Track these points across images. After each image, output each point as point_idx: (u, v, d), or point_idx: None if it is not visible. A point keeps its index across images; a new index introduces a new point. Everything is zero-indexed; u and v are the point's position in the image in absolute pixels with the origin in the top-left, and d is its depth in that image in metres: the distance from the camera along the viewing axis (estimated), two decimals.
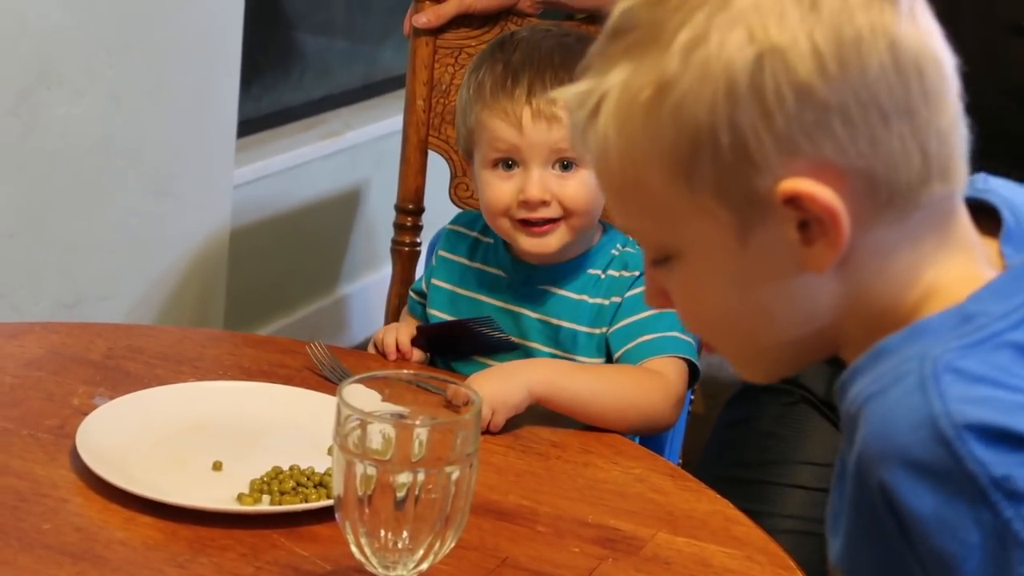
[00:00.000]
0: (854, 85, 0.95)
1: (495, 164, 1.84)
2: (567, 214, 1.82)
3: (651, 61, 0.97)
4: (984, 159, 1.89)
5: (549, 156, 1.81)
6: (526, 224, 1.83)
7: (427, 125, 2.26)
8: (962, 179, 1.02)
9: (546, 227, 1.82)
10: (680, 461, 2.10)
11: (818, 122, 0.95)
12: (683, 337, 1.82)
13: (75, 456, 1.56)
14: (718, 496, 1.60)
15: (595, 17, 2.23)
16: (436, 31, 2.24)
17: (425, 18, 2.22)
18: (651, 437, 1.96)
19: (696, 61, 0.95)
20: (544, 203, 1.81)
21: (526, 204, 1.81)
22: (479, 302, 1.93)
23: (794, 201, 0.97)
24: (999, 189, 1.10)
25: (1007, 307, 0.98)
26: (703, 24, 0.95)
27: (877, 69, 0.95)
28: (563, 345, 1.87)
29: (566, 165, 1.82)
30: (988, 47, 1.88)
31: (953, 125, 1.00)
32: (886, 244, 0.99)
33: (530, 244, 1.83)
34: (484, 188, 1.86)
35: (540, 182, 1.81)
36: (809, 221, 0.97)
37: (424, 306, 2.00)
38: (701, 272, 1.04)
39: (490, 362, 1.88)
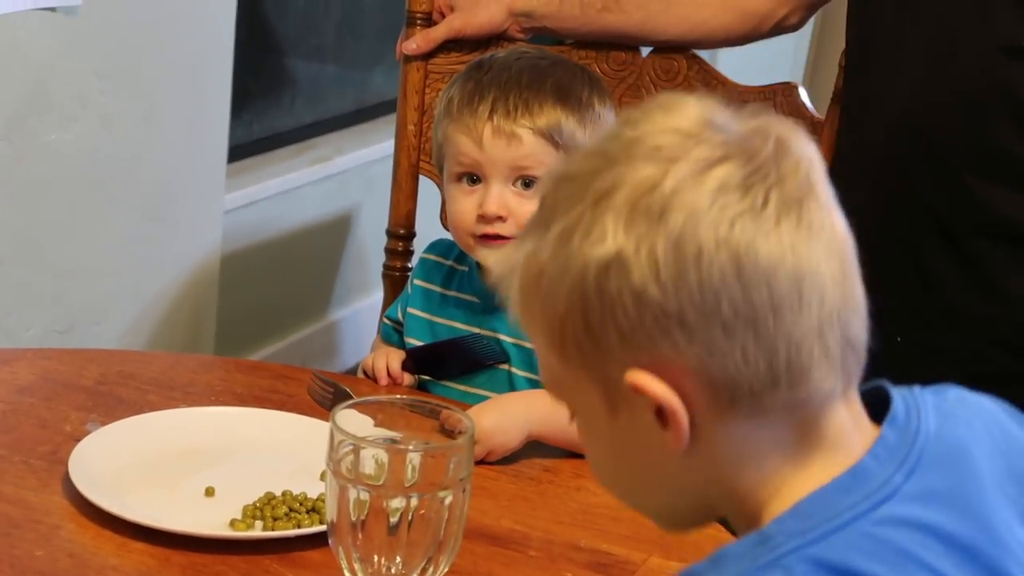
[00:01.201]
0: (691, 295, 0.97)
1: (459, 178, 1.88)
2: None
3: (540, 243, 1.02)
4: (985, 181, 1.90)
5: (510, 173, 1.85)
6: (484, 238, 1.86)
7: (418, 150, 2.26)
8: (824, 383, 1.01)
9: (502, 241, 1.84)
10: None
11: (657, 325, 0.98)
12: None
13: (68, 482, 1.56)
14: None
15: (583, 43, 2.24)
16: (427, 56, 2.25)
17: (415, 44, 2.23)
18: None
19: (561, 254, 1.00)
20: (500, 218, 1.84)
21: (483, 218, 1.85)
22: (455, 329, 1.95)
23: (638, 391, 1.00)
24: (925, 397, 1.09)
25: (810, 523, 0.98)
26: (575, 218, 1.00)
27: (718, 281, 0.97)
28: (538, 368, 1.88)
29: (527, 183, 1.85)
30: (987, 69, 1.89)
31: (812, 332, 1.00)
32: (739, 436, 1.01)
33: (489, 257, 1.85)
34: (449, 202, 1.91)
35: (498, 198, 1.84)
36: (662, 409, 1.00)
37: (400, 334, 2.01)
38: (587, 430, 1.08)
39: (475, 391, 1.88)
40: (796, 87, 2.17)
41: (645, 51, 2.24)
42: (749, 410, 1.00)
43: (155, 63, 2.62)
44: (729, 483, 1.04)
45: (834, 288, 1.00)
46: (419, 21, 2.26)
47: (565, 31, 2.24)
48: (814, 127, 2.13)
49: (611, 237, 0.98)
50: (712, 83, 2.19)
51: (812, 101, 2.17)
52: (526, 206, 1.83)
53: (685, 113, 1.02)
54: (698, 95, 1.04)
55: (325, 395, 1.80)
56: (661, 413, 0.99)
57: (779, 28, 2.22)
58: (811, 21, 2.41)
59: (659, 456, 1.02)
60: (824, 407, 1.02)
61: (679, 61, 2.21)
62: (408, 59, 2.25)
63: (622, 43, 2.23)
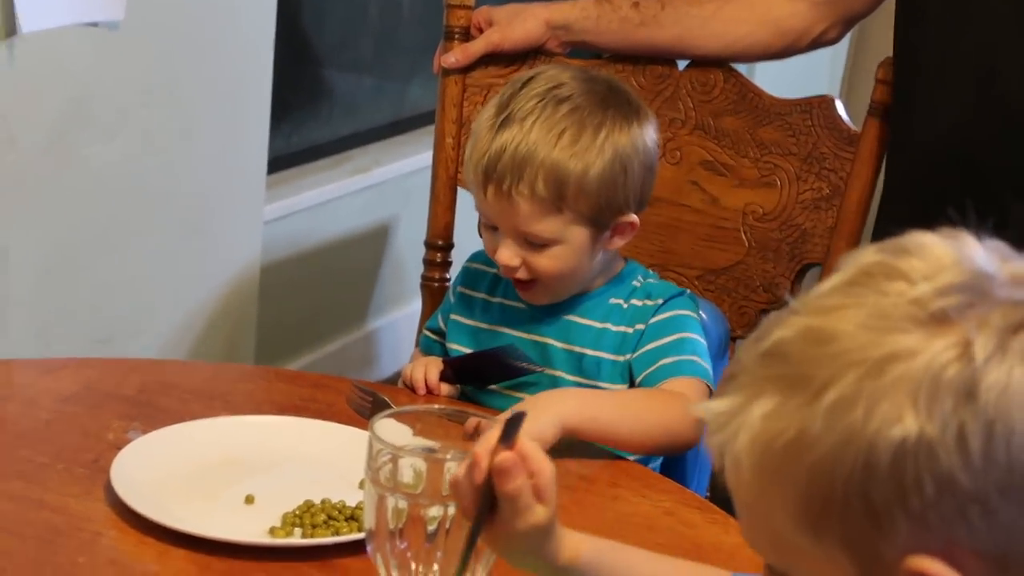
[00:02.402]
0: (999, 478, 0.91)
1: (482, 222, 1.91)
2: (540, 277, 1.86)
3: (795, 405, 0.94)
4: (984, 192, 1.90)
5: (516, 233, 1.84)
6: (516, 281, 1.88)
7: (456, 162, 2.28)
8: None
9: (526, 285, 1.88)
10: (708, 494, 2.10)
11: (956, 510, 0.91)
12: (701, 362, 1.85)
13: (110, 490, 1.57)
14: None
15: (619, 57, 2.25)
16: (465, 70, 2.26)
17: (454, 58, 2.24)
18: (677, 469, 1.97)
19: (840, 427, 0.92)
20: (514, 268, 1.86)
21: (503, 268, 1.87)
22: (502, 335, 1.95)
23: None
24: None
25: None
26: (852, 387, 0.92)
27: None
28: (587, 373, 1.89)
29: (534, 244, 1.84)
30: (984, 84, 1.90)
31: None
32: None
33: (520, 294, 1.89)
34: (482, 236, 1.93)
35: (509, 252, 1.85)
36: None
37: (441, 344, 2.02)
38: None
39: (517, 394, 1.89)
40: (833, 100, 2.18)
41: (682, 64, 2.25)
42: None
43: (195, 77, 2.63)
44: None
45: None
46: (457, 35, 2.28)
47: (603, 45, 2.25)
48: (851, 140, 2.14)
49: (910, 417, 0.90)
50: (748, 96, 2.20)
51: (849, 114, 2.18)
52: (539, 260, 1.85)
53: (959, 263, 0.95)
54: (945, 237, 0.98)
55: (364, 404, 1.81)
56: None
57: (816, 43, 2.22)
58: (846, 36, 2.41)
59: None
60: None
61: (715, 75, 2.22)
62: (447, 72, 2.26)
63: (661, 56, 2.24)
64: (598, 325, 1.90)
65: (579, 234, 1.84)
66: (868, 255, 0.98)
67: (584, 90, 1.88)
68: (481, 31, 2.27)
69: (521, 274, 1.86)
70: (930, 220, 1.98)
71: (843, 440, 0.92)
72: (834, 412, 0.92)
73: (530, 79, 1.90)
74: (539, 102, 1.85)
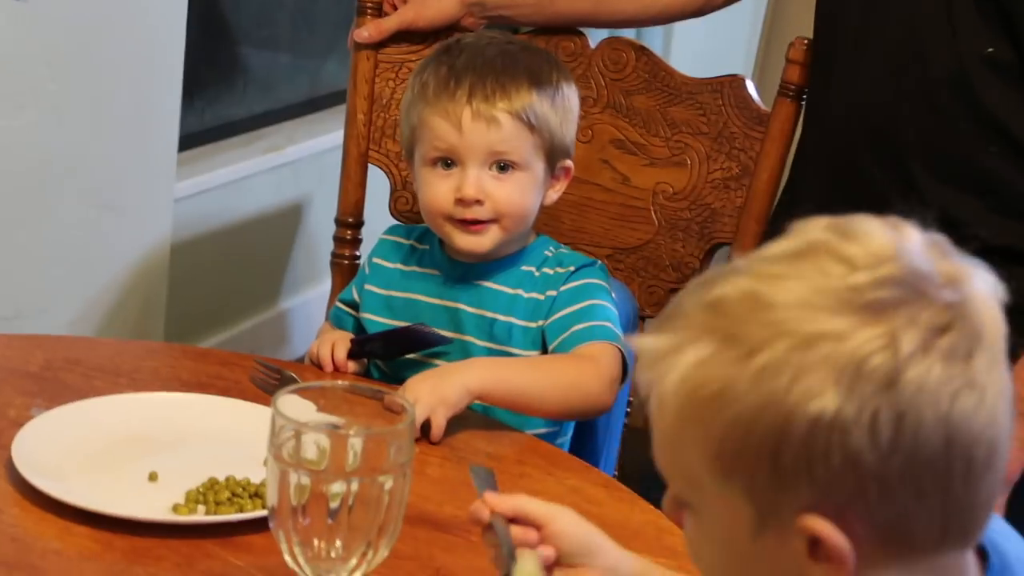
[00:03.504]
0: (901, 464, 0.96)
1: (434, 162, 1.90)
2: (500, 216, 1.88)
3: (726, 360, 0.98)
4: (939, 183, 1.92)
5: (487, 157, 1.87)
6: (462, 223, 1.88)
7: (367, 139, 2.27)
8: (977, 538, 1.03)
9: (480, 226, 1.88)
10: (616, 473, 2.11)
11: (857, 485, 0.96)
12: (613, 328, 1.88)
13: (10, 467, 1.56)
14: (652, 507, 1.61)
15: (534, 31, 2.25)
16: (377, 46, 2.26)
17: (367, 32, 2.23)
18: (587, 448, 1.98)
19: (764, 390, 0.96)
20: (478, 202, 1.87)
21: (461, 202, 1.87)
22: (416, 301, 1.96)
23: (812, 534, 0.98)
24: (992, 534, 1.10)
25: None
26: (781, 356, 0.96)
27: (928, 453, 0.96)
28: (498, 338, 1.90)
29: (503, 167, 1.88)
30: (951, 76, 1.91)
31: (987, 499, 1.01)
32: (897, 563, 1.00)
33: (465, 242, 1.89)
34: (423, 186, 1.92)
35: (476, 182, 1.87)
36: (820, 542, 0.98)
37: (353, 316, 2.02)
38: (710, 538, 1.05)
39: (431, 362, 1.90)
40: (743, 80, 2.19)
41: (594, 42, 2.25)
42: (910, 561, 1.00)
43: (105, 50, 2.61)
44: None
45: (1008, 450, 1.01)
46: (369, 11, 2.27)
47: (521, 18, 2.26)
48: (761, 119, 2.15)
49: (830, 394, 0.95)
50: (660, 75, 2.21)
51: (760, 94, 2.19)
52: (502, 189, 1.87)
53: (899, 258, 0.99)
54: (891, 226, 1.02)
55: (269, 381, 1.81)
56: (816, 545, 0.98)
57: None
58: (762, 14, 2.42)
59: (796, 568, 1.00)
60: (968, 555, 1.04)
61: (627, 52, 2.23)
62: (359, 47, 2.26)
63: (580, 26, 2.25)
64: (510, 291, 1.91)
65: (539, 166, 1.90)
66: (817, 230, 1.02)
67: (521, 44, 1.98)
68: (395, 8, 2.26)
69: (483, 211, 1.87)
70: (840, 193, 2.00)
71: (764, 403, 0.96)
72: (761, 375, 0.97)
73: (455, 41, 1.96)
74: (487, 44, 1.93)
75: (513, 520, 1.33)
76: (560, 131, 1.91)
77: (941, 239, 1.02)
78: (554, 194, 1.96)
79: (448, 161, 1.89)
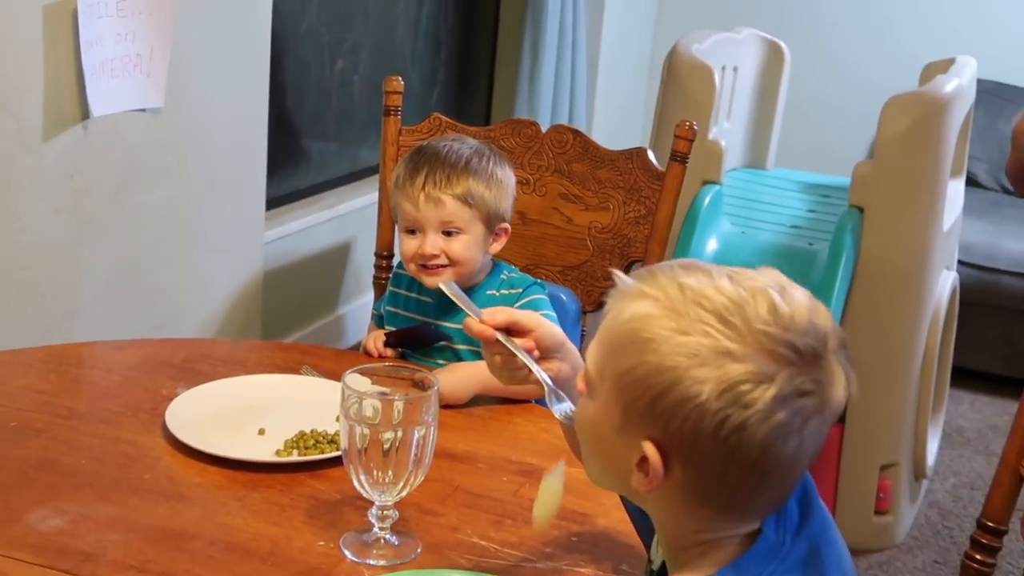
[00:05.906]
0: (722, 455, 0.93)
1: (405, 230, 1.87)
2: (452, 262, 1.84)
3: (664, 325, 0.94)
4: None
5: (438, 226, 1.83)
6: (425, 268, 1.85)
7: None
8: (753, 524, 0.99)
9: (438, 270, 1.85)
10: None
11: (689, 448, 0.94)
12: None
13: (165, 428, 1.56)
14: None
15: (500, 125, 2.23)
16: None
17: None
18: None
19: (674, 359, 0.93)
20: (435, 256, 1.84)
21: (422, 256, 1.84)
22: (416, 320, 1.94)
23: (642, 454, 0.96)
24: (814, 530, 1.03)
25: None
26: (696, 347, 0.93)
27: (741, 458, 0.93)
28: (477, 344, 1.88)
29: (449, 232, 1.84)
30: None
31: (764, 505, 0.97)
32: (684, 505, 0.98)
33: (428, 281, 1.87)
34: (401, 244, 1.90)
35: (432, 243, 1.83)
36: (647, 461, 0.96)
37: (382, 325, 2.00)
38: (591, 417, 1.02)
39: (440, 361, 1.88)
40: (646, 151, 2.18)
41: (544, 128, 2.25)
42: (697, 506, 0.98)
43: (212, 143, 2.60)
44: (665, 517, 1.01)
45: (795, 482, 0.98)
46: (391, 112, 2.26)
47: None
48: (659, 177, 2.15)
49: (708, 388, 0.92)
50: (590, 149, 2.21)
51: (657, 159, 2.19)
52: (452, 246, 1.83)
53: (810, 332, 0.93)
54: (769, 279, 0.96)
55: (311, 373, 1.79)
56: (644, 461, 0.96)
57: None
58: (655, 99, 2.35)
59: (627, 468, 0.98)
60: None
61: (567, 134, 2.22)
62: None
63: None
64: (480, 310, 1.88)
65: (478, 229, 1.84)
66: (767, 296, 0.95)
67: (474, 143, 1.91)
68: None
69: (441, 260, 1.84)
70: None
71: (670, 366, 0.94)
72: (679, 349, 0.93)
73: (421, 146, 1.90)
74: (443, 146, 1.87)
75: (507, 329, 1.26)
76: (495, 203, 1.85)
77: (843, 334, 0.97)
78: (497, 246, 1.89)
79: (413, 229, 1.86)
